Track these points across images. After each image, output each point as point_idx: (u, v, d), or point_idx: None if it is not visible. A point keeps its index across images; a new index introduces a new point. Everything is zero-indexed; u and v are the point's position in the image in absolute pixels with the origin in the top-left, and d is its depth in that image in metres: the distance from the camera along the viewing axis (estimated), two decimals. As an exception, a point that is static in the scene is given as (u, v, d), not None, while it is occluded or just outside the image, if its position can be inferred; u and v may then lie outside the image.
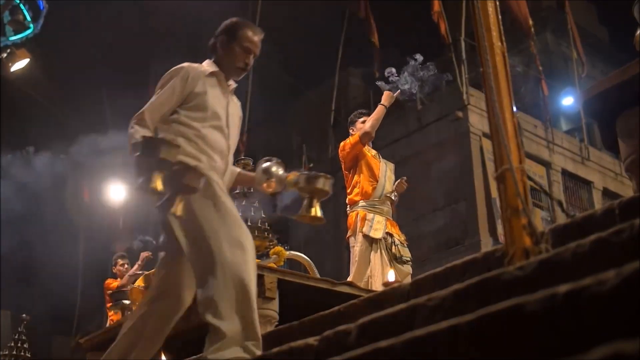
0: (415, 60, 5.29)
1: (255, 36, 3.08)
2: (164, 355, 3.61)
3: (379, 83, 5.48)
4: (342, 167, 5.40)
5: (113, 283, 8.13)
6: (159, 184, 2.54)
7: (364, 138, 5.23)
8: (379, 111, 5.30)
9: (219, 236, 2.69)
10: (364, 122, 5.33)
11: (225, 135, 2.98)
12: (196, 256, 2.74)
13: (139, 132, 2.80)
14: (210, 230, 2.70)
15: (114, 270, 8.46)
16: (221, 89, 3.04)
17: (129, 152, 2.80)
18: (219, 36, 3.11)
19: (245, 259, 2.68)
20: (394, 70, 5.37)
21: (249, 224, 4.68)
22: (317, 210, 2.92)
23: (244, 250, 2.69)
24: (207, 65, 3.06)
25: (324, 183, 2.90)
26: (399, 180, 5.44)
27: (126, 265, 8.30)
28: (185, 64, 3.01)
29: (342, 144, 5.41)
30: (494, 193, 11.42)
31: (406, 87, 5.28)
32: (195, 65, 3.04)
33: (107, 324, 7.48)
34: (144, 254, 8.18)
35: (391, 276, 4.00)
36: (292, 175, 2.95)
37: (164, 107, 2.91)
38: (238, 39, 3.05)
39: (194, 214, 2.73)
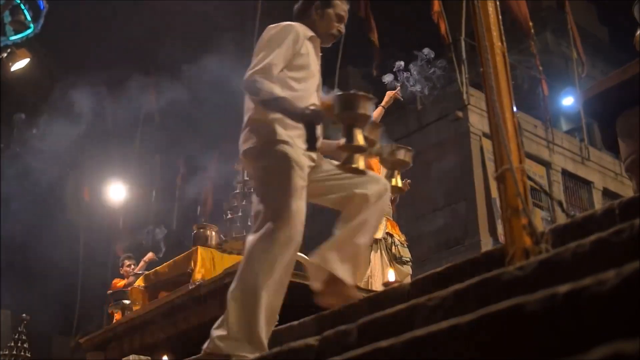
0: (425, 55, 5.23)
1: (344, 5, 3.08)
2: (166, 355, 3.61)
3: (385, 78, 5.42)
4: (342, 167, 5.38)
5: (119, 282, 8.19)
6: (361, 139, 2.49)
7: None
8: (376, 112, 5.28)
9: (264, 238, 2.66)
10: (364, 122, 5.33)
11: (318, 99, 2.94)
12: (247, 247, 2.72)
13: (273, 88, 2.71)
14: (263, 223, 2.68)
15: (121, 271, 8.51)
16: (316, 54, 3.02)
17: (259, 104, 2.75)
18: (312, 0, 3.05)
19: (271, 272, 2.62)
20: (402, 63, 5.32)
21: (249, 223, 4.69)
22: (397, 181, 3.05)
23: (273, 264, 2.64)
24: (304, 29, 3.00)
25: (405, 154, 2.99)
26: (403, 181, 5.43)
27: (132, 266, 8.36)
28: (293, 23, 2.96)
29: (342, 144, 5.40)
30: (494, 193, 11.42)
31: (417, 87, 5.22)
32: (299, 25, 2.98)
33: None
34: (149, 255, 8.22)
35: (391, 276, 4.00)
36: (378, 147, 3.02)
37: (280, 65, 2.84)
38: (333, 5, 3.04)
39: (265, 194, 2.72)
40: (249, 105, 2.90)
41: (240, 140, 2.87)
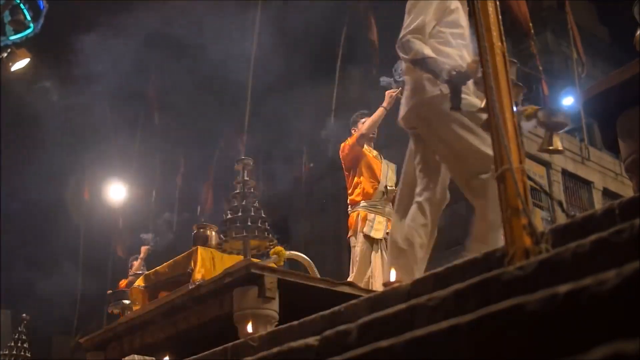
0: None
1: None
2: (166, 355, 3.61)
3: (382, 79, 5.40)
4: (343, 167, 5.40)
5: (124, 283, 8.20)
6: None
7: (360, 140, 5.24)
8: (377, 113, 5.29)
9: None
10: (365, 122, 5.34)
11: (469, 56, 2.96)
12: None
13: (424, 49, 2.76)
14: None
15: (130, 273, 8.51)
16: (464, 10, 3.05)
17: (410, 64, 2.81)
18: None
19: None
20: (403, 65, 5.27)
21: (249, 223, 4.69)
22: (557, 143, 3.08)
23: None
24: None
25: (565, 117, 3.04)
26: None
27: (141, 267, 8.37)
28: None
29: (342, 145, 5.42)
30: (494, 193, 11.41)
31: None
32: None
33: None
34: (143, 250, 8.21)
35: (392, 276, 4.00)
36: (530, 109, 3.05)
37: (432, 24, 2.89)
38: None
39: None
40: (409, 65, 2.94)
41: (404, 97, 2.94)
